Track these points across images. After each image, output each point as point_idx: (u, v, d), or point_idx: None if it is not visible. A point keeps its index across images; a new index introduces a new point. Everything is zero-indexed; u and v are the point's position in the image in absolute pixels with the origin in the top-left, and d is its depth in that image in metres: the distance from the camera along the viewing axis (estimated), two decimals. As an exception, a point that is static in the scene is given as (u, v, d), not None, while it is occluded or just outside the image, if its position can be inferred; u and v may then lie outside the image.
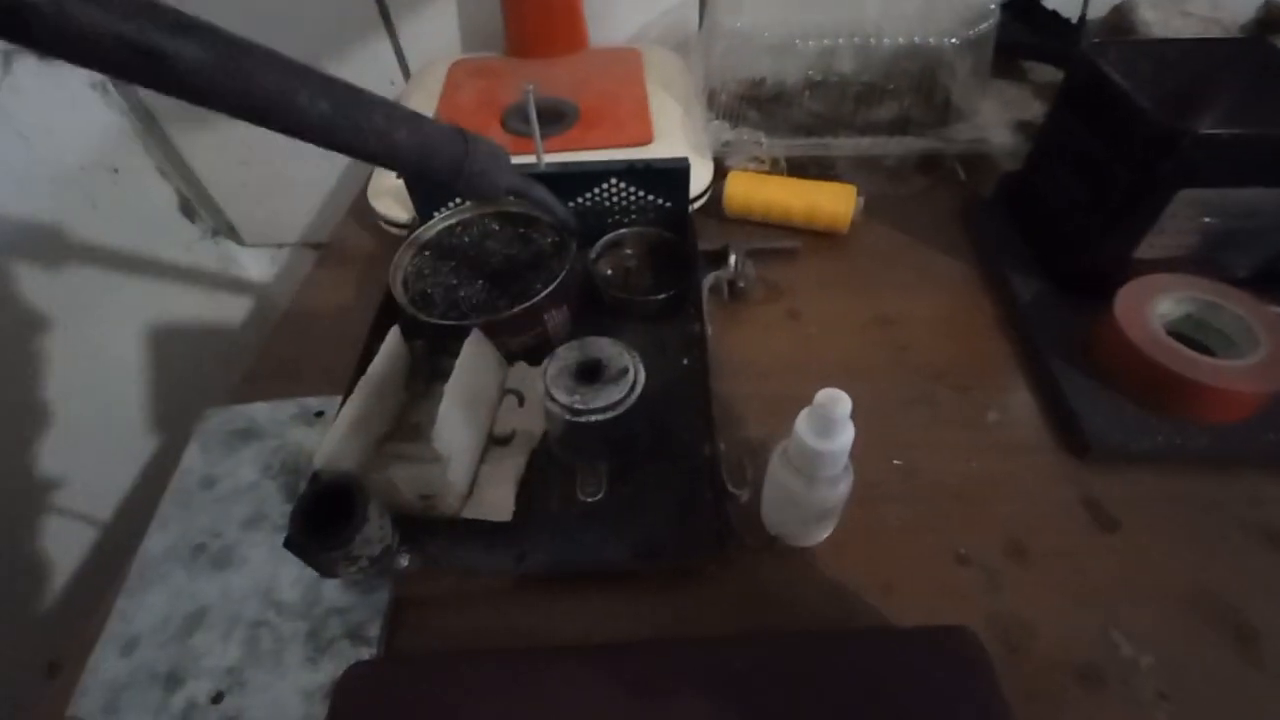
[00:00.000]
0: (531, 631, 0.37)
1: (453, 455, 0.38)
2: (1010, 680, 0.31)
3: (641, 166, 0.50)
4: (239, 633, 0.37)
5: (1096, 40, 0.48)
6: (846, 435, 0.33)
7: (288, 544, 0.34)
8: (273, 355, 0.53)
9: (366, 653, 0.35)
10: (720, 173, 0.62)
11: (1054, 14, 0.69)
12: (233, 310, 1.01)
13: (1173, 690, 0.34)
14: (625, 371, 0.37)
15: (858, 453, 0.36)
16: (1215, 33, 0.67)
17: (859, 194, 0.59)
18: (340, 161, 0.89)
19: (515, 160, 0.51)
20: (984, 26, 0.58)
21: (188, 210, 0.95)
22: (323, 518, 0.34)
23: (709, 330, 0.47)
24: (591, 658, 0.31)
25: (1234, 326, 0.45)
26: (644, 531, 0.39)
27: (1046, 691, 0.34)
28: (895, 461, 0.44)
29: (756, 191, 0.60)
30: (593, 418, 0.36)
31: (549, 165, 0.50)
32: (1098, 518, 0.41)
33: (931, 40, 0.59)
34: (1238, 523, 0.40)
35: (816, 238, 0.60)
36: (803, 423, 0.33)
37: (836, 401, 0.31)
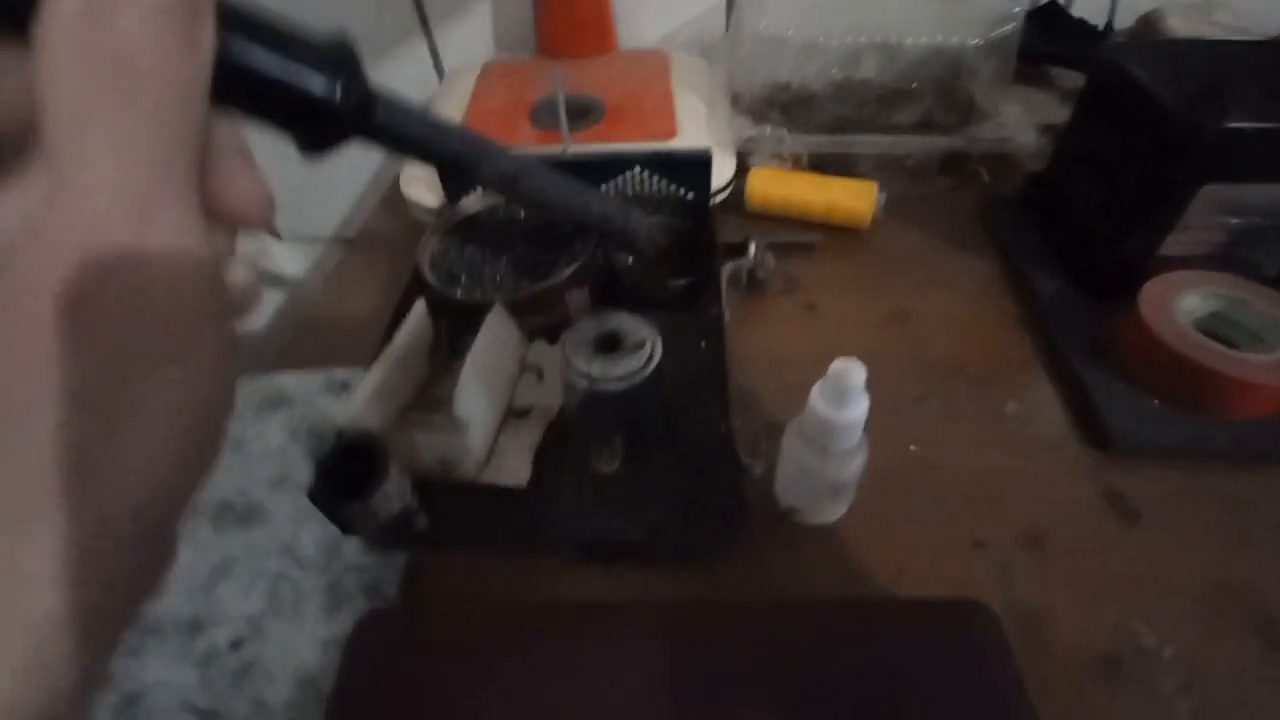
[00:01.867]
0: (539, 596, 0.38)
1: (472, 422, 0.39)
2: (1027, 670, 0.31)
3: (664, 154, 0.51)
4: (261, 584, 0.38)
5: (1119, 41, 0.48)
6: (861, 406, 0.33)
7: (311, 495, 0.35)
8: (305, 331, 0.55)
9: (382, 606, 0.36)
10: (743, 169, 0.63)
11: (1080, 21, 0.69)
12: (268, 301, 1.04)
13: (1195, 683, 0.33)
14: (643, 344, 0.38)
15: (873, 440, 0.36)
16: (1246, 41, 0.67)
17: (880, 191, 0.59)
18: (370, 159, 0.92)
19: (542, 151, 0.53)
20: (1007, 29, 0.59)
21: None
22: (345, 475, 0.35)
23: (727, 315, 0.48)
24: (611, 614, 0.31)
25: (1263, 323, 0.44)
26: (657, 507, 0.39)
27: (1064, 682, 0.34)
28: (912, 448, 0.44)
29: (778, 187, 0.60)
30: (610, 386, 0.37)
31: (574, 154, 0.52)
32: (1119, 511, 0.40)
33: (955, 40, 0.59)
34: (1264, 521, 0.39)
35: (837, 234, 0.60)
36: (817, 393, 0.33)
37: (851, 370, 0.32)
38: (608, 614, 0.31)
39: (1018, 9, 0.58)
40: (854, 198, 0.58)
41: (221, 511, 0.42)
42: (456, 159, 0.34)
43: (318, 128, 0.19)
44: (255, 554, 0.39)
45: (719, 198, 0.61)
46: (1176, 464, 0.42)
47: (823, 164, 0.66)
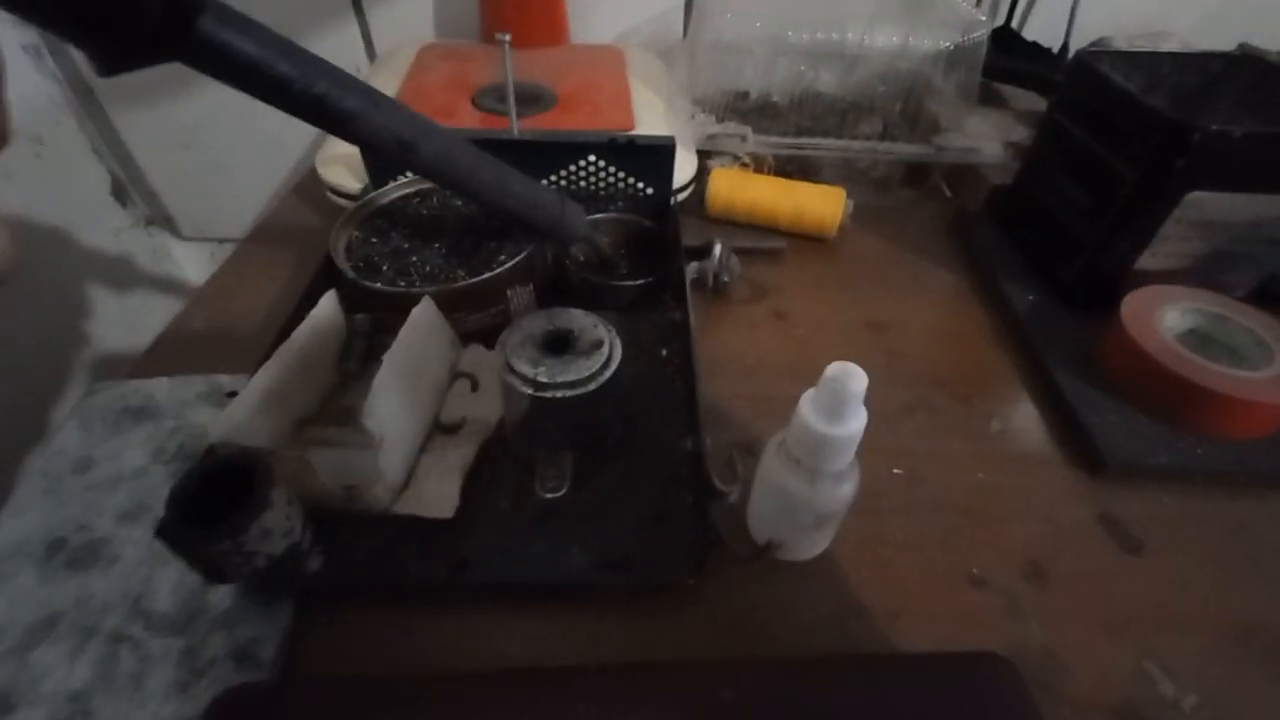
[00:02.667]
0: (471, 655, 0.30)
1: (387, 438, 0.32)
2: None
3: (624, 141, 0.46)
4: (93, 649, 0.29)
5: (1092, 49, 0.47)
6: (859, 420, 0.28)
7: (160, 532, 0.26)
8: (185, 328, 0.46)
9: (255, 677, 0.28)
10: (704, 171, 0.59)
11: (1034, 44, 0.69)
12: (161, 309, 0.92)
13: (1222, 734, 0.29)
14: (599, 344, 0.32)
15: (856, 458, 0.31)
16: (1190, 70, 0.68)
17: (848, 199, 0.56)
18: (290, 152, 0.84)
19: (488, 136, 0.47)
20: (973, 36, 0.57)
21: (120, 194, 0.87)
22: (214, 504, 0.27)
23: (692, 319, 0.43)
24: (537, 684, 0.24)
25: (1243, 340, 0.42)
26: (612, 537, 0.33)
27: (1083, 738, 0.29)
28: (896, 470, 0.39)
29: (741, 190, 0.56)
30: (559, 394, 0.30)
31: (523, 137, 0.46)
32: (1119, 538, 0.36)
33: (926, 44, 0.57)
34: (1270, 547, 0.36)
35: (802, 241, 0.56)
36: (807, 404, 0.28)
37: (850, 375, 0.27)
38: (555, 681, 0.24)
39: (983, 18, 0.57)
40: (822, 204, 0.55)
41: (50, 551, 0.32)
42: (324, 108, 0.28)
43: (116, 33, 0.12)
44: (89, 608, 0.30)
45: (680, 197, 0.56)
46: (1170, 486, 0.39)
47: (785, 170, 0.63)
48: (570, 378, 0.31)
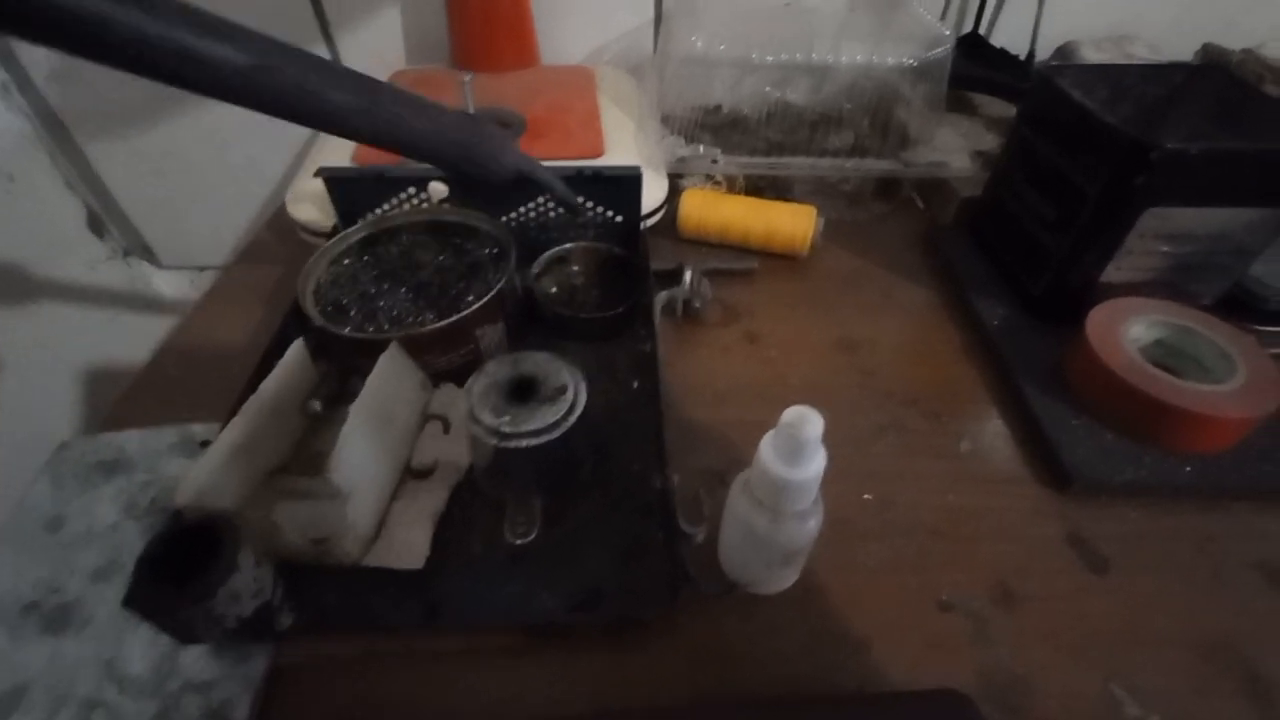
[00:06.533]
0: (445, 703, 0.30)
1: (355, 490, 0.32)
2: None
3: (590, 173, 0.46)
4: (65, 715, 0.29)
5: (1053, 63, 0.48)
6: (818, 462, 0.28)
7: (128, 601, 0.27)
8: (158, 375, 0.46)
9: (228, 739, 0.28)
10: (675, 192, 0.59)
11: (1002, 51, 0.70)
12: (142, 340, 0.91)
13: (1186, 756, 0.30)
14: (563, 390, 0.32)
15: (827, 484, 0.31)
16: (1157, 73, 0.69)
17: (819, 216, 0.56)
18: (265, 177, 0.83)
19: None
20: (938, 52, 0.57)
21: (96, 226, 0.87)
22: (182, 567, 0.27)
23: (661, 349, 0.43)
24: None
25: (1208, 352, 0.43)
26: (583, 578, 0.33)
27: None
28: (866, 496, 0.40)
29: (712, 210, 0.56)
30: (523, 443, 0.31)
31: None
32: (1086, 557, 0.37)
33: (890, 60, 0.57)
34: (1236, 561, 0.37)
35: (774, 260, 0.57)
36: (767, 447, 0.28)
37: (806, 420, 0.27)
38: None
39: (948, 32, 0.57)
40: (793, 223, 0.55)
41: (23, 615, 0.32)
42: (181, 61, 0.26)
43: None
44: (62, 672, 0.30)
45: (650, 221, 0.56)
46: (1137, 502, 0.39)
47: (757, 188, 0.63)
48: (534, 426, 0.31)
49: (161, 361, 0.47)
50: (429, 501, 0.35)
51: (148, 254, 0.94)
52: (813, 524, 0.31)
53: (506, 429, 0.31)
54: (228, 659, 0.30)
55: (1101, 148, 0.42)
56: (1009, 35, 0.74)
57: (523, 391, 0.33)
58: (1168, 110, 0.43)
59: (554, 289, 0.50)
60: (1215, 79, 0.47)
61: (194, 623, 0.27)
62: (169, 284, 0.97)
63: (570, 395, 0.32)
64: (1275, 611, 0.35)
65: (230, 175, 0.83)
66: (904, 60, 0.57)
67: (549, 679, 0.31)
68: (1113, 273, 0.46)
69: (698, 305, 0.49)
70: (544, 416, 0.31)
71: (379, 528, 0.34)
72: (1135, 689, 0.32)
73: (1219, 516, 0.39)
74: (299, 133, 0.62)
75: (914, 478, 0.41)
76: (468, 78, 0.42)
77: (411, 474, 0.37)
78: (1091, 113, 0.42)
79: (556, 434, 0.31)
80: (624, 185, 0.47)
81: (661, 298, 0.48)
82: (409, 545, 0.33)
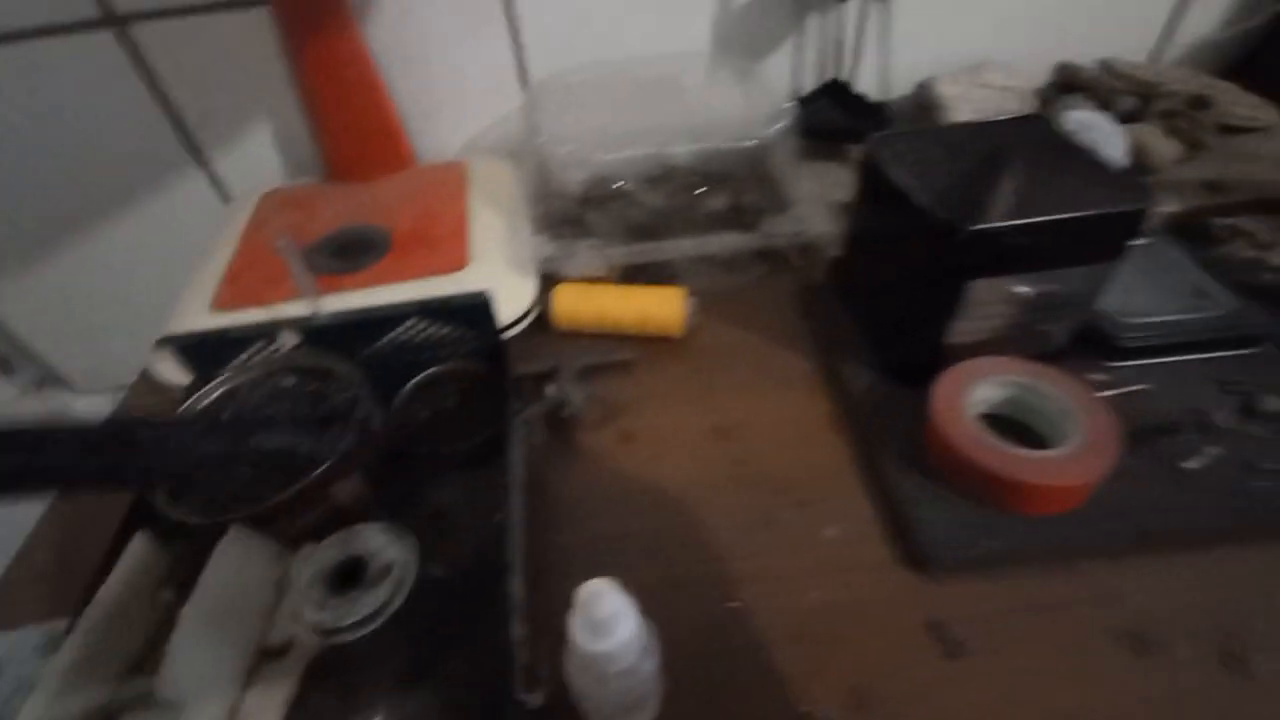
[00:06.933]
0: None
1: (194, 694, 0.32)
2: None
3: (437, 305, 0.46)
4: None
5: (883, 133, 0.49)
6: (624, 628, 0.29)
7: None
8: (31, 563, 0.46)
9: None
10: (555, 282, 0.59)
11: (859, 97, 0.71)
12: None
13: None
14: (388, 569, 0.32)
15: (692, 595, 0.33)
16: (1011, 100, 0.71)
17: (691, 294, 0.57)
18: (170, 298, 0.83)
19: (326, 300, 0.47)
20: (777, 128, 0.59)
21: (3, 365, 0.86)
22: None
23: (520, 474, 0.43)
24: None
25: (1053, 408, 0.44)
26: (438, 753, 0.33)
27: None
28: (733, 604, 0.40)
29: (585, 303, 0.57)
30: (348, 636, 0.31)
31: (332, 317, 0.46)
32: (943, 643, 0.38)
33: (726, 145, 0.59)
34: (1091, 625, 0.38)
35: (654, 344, 0.57)
36: (574, 625, 0.29)
37: (598, 599, 0.27)
38: None
39: (786, 104, 0.59)
40: (663, 306, 0.56)
41: None
42: None
43: None
44: None
45: (524, 323, 0.57)
46: (993, 574, 0.40)
47: (640, 268, 0.63)
48: (356, 617, 0.31)
49: (34, 547, 0.47)
50: (281, 687, 0.35)
51: (63, 383, 0.93)
52: (644, 672, 0.31)
53: (329, 624, 0.31)
54: None
55: (918, 226, 0.43)
56: (874, 77, 0.76)
57: (348, 576, 0.33)
58: (983, 179, 0.44)
59: (427, 413, 0.50)
60: (1036, 132, 0.49)
61: None
62: (91, 407, 0.96)
63: (396, 574, 0.32)
64: (1129, 677, 0.35)
65: (132, 302, 0.83)
66: (741, 144, 0.58)
67: None
68: (960, 335, 0.47)
69: (568, 414, 0.50)
70: (367, 604, 0.31)
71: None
72: (986, 789, 0.32)
73: (1073, 581, 0.40)
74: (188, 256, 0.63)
75: (778, 578, 0.41)
76: (282, 241, 0.42)
77: (267, 654, 0.37)
78: (904, 193, 0.43)
79: (380, 621, 0.31)
80: (475, 310, 0.47)
81: (523, 418, 0.48)
82: (256, 743, 0.33)
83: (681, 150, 0.66)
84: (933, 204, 0.42)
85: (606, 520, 0.45)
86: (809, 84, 0.75)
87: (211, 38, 0.66)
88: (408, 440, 0.47)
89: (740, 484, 0.47)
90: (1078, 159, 0.46)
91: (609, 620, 0.28)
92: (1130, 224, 0.42)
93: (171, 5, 0.64)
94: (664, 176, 0.67)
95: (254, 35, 0.65)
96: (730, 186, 0.67)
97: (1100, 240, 0.42)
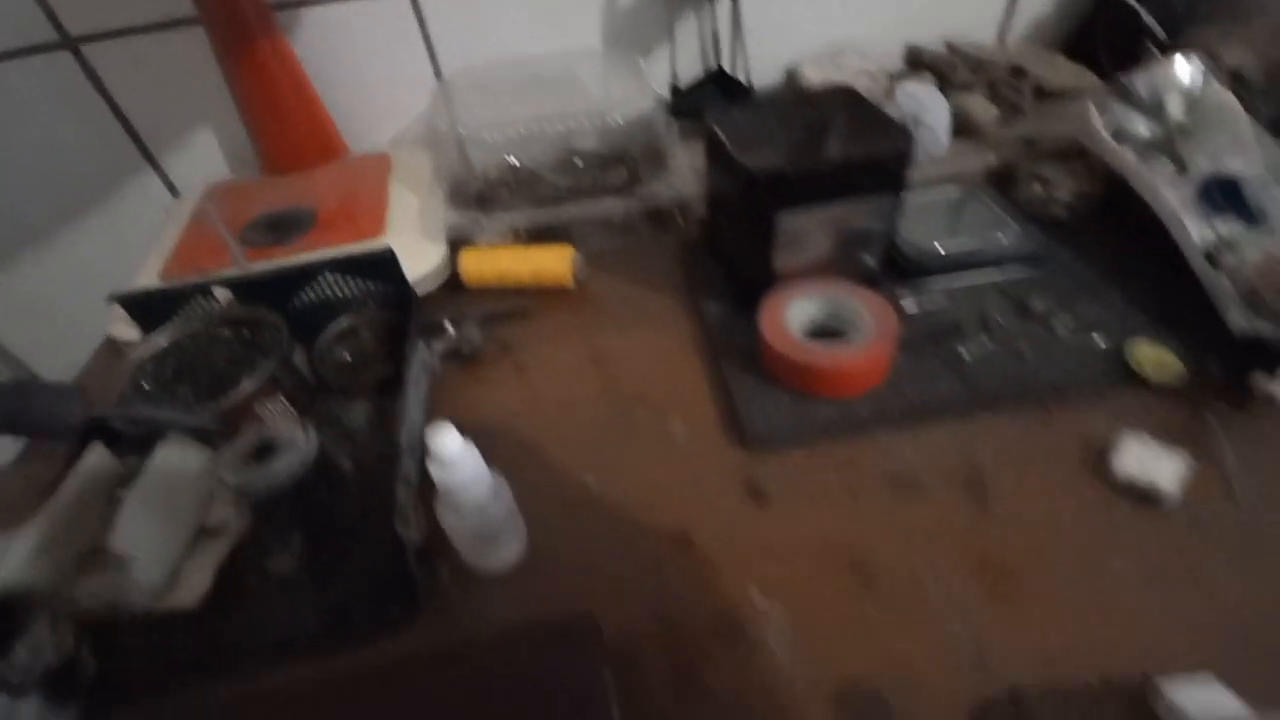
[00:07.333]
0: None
1: (140, 555, 0.40)
2: (665, 645, 0.38)
3: (345, 259, 0.55)
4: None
5: (720, 107, 0.59)
6: (466, 465, 0.37)
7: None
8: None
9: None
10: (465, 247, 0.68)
11: (738, 82, 0.82)
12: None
13: (799, 628, 0.39)
14: (292, 444, 0.41)
15: (554, 476, 0.45)
16: (865, 80, 0.81)
17: (582, 252, 0.66)
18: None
19: (254, 267, 0.56)
20: (658, 110, 0.69)
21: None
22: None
23: (419, 391, 0.52)
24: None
25: (852, 316, 0.53)
26: (337, 595, 0.42)
27: (693, 659, 0.39)
28: (588, 478, 0.49)
29: (488, 263, 0.66)
30: (260, 492, 0.39)
31: (260, 271, 0.55)
32: (754, 496, 0.47)
33: (630, 124, 0.69)
34: (868, 476, 0.47)
35: (551, 296, 0.67)
36: (429, 465, 0.38)
37: (440, 433, 0.36)
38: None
39: (670, 90, 0.69)
40: (554, 262, 0.65)
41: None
42: None
43: None
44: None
45: (435, 281, 0.66)
46: (803, 446, 0.49)
47: (542, 234, 0.73)
48: (265, 478, 0.40)
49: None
50: (214, 552, 0.43)
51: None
52: (496, 509, 0.40)
53: (243, 482, 0.39)
54: (49, 706, 0.38)
55: (736, 174, 0.53)
56: (752, 65, 0.86)
57: (263, 453, 0.41)
58: (789, 137, 0.54)
59: (348, 356, 0.59)
60: (845, 100, 0.59)
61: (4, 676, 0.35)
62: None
63: (300, 447, 0.41)
64: (889, 513, 0.45)
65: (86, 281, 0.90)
66: (629, 124, 0.69)
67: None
68: (787, 262, 0.57)
69: (467, 351, 0.59)
70: (274, 469, 0.40)
71: (174, 580, 0.42)
72: (766, 588, 0.41)
73: (863, 446, 0.49)
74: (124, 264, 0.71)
75: (633, 462, 0.50)
76: (206, 206, 0.51)
77: (204, 534, 0.45)
78: (727, 148, 0.53)
79: (287, 479, 0.40)
80: (381, 262, 0.56)
81: (435, 348, 0.58)
82: (191, 588, 0.41)
83: (578, 132, 0.76)
84: (743, 157, 0.52)
85: (494, 428, 0.54)
86: (694, 72, 0.86)
87: (157, 54, 0.75)
88: (329, 377, 0.55)
89: (609, 398, 0.56)
90: (871, 118, 0.56)
91: (451, 455, 0.37)
92: (897, 163, 0.52)
93: (116, 26, 0.73)
94: (563, 156, 0.77)
95: (194, 49, 0.75)
96: (622, 163, 0.77)
97: (875, 176, 0.52)
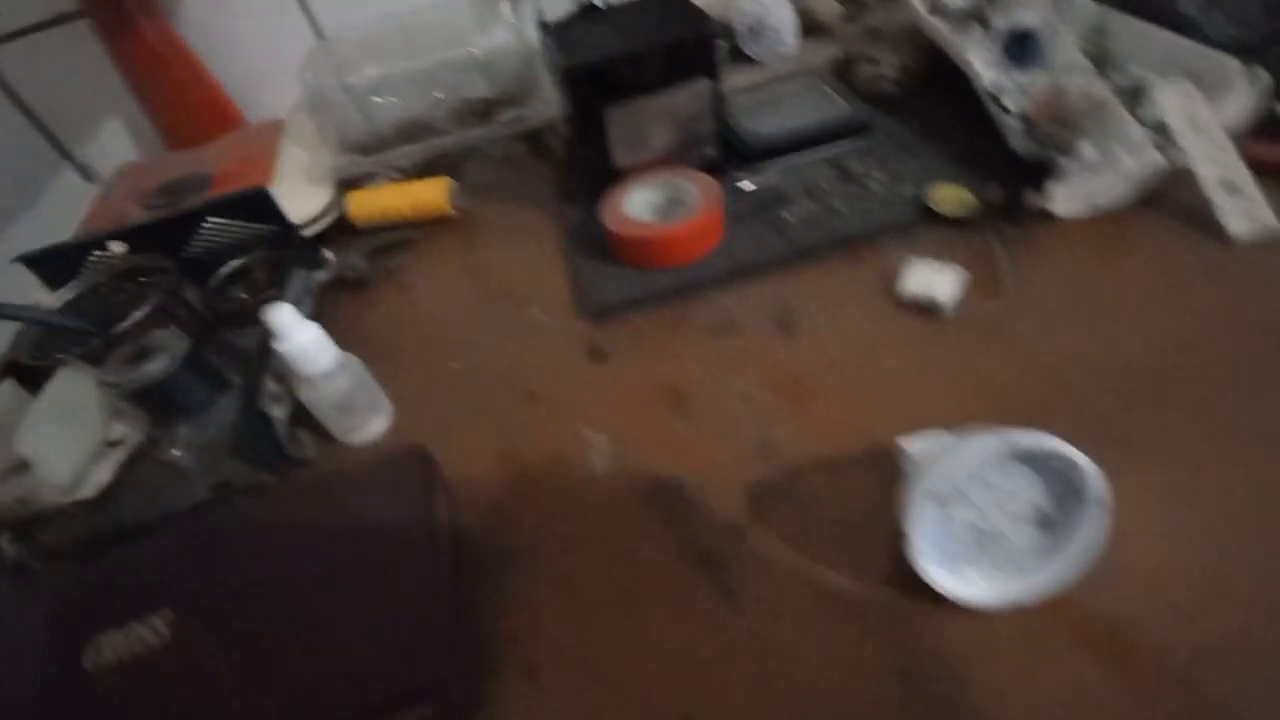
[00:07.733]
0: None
1: (44, 456, 0.46)
2: (502, 484, 0.44)
3: (221, 200, 0.60)
4: None
5: (557, 20, 0.63)
6: (301, 336, 0.43)
7: None
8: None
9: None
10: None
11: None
12: None
13: (623, 455, 0.45)
14: (164, 348, 0.47)
15: (420, 362, 0.51)
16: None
17: (462, 181, 0.72)
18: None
19: (121, 229, 0.61)
20: (528, 46, 0.74)
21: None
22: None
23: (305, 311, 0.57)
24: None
25: (684, 195, 0.58)
26: (223, 476, 0.47)
27: (529, 482, 0.45)
28: (454, 364, 0.55)
29: (371, 201, 0.71)
30: (137, 386, 0.45)
31: (150, 222, 0.60)
32: (594, 357, 0.52)
33: (500, 60, 0.74)
34: (694, 328, 0.53)
35: (435, 225, 0.72)
36: (273, 341, 0.43)
37: (272, 311, 0.42)
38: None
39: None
40: (431, 192, 0.70)
41: None
42: None
43: None
44: None
45: (326, 223, 0.71)
46: (644, 311, 0.55)
47: (431, 170, 0.77)
48: (139, 374, 0.45)
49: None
50: (114, 457, 0.49)
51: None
52: (339, 382, 0.45)
53: (120, 379, 0.45)
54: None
55: (567, 81, 0.57)
56: None
57: (140, 358, 0.47)
58: (612, 40, 0.59)
59: (245, 294, 0.64)
60: (671, 6, 0.63)
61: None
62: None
63: (171, 349, 0.47)
64: (707, 354, 0.50)
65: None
66: (499, 60, 0.73)
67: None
68: (629, 158, 0.61)
69: (351, 277, 0.64)
70: (147, 366, 0.46)
71: (82, 482, 0.48)
72: (595, 424, 0.47)
73: (693, 304, 0.54)
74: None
75: (493, 346, 0.56)
76: (110, 180, 0.56)
77: (109, 444, 0.51)
78: (553, 51, 0.58)
79: (161, 374, 0.45)
80: (256, 200, 0.61)
81: (320, 275, 0.63)
82: (94, 484, 0.47)
83: (455, 76, 0.81)
84: (566, 60, 0.57)
85: (379, 341, 0.59)
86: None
87: (51, 51, 0.80)
88: (226, 311, 0.61)
89: (479, 297, 0.61)
90: (682, 11, 0.60)
91: (284, 326, 0.42)
92: (704, 48, 0.56)
93: (11, 29, 0.77)
94: (447, 101, 0.81)
95: (84, 42, 0.79)
96: (501, 102, 0.81)
97: (686, 63, 0.57)
